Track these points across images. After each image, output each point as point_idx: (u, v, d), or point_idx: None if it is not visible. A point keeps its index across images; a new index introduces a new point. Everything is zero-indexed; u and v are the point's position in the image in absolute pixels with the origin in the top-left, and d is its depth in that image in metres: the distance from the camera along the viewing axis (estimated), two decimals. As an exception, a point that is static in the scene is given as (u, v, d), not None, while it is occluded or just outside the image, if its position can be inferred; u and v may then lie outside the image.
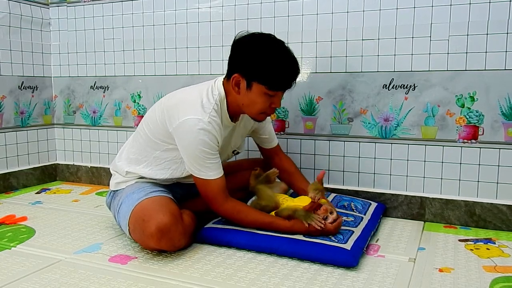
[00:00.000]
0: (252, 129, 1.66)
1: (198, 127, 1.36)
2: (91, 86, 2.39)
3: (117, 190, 1.55)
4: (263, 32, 1.44)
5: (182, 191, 1.66)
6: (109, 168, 1.68)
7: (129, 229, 1.41)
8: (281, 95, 1.44)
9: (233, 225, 1.52)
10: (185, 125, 1.37)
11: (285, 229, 1.43)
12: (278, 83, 1.39)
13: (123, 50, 2.26)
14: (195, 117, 1.36)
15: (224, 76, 1.49)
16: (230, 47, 1.45)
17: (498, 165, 1.64)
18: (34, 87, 2.40)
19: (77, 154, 2.48)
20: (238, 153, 1.68)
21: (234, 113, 1.50)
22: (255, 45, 1.39)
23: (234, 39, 1.44)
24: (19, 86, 2.31)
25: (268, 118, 1.66)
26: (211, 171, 1.40)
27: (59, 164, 2.53)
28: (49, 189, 2.32)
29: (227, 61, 1.46)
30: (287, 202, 1.52)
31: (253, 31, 1.43)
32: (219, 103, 1.43)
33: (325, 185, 1.89)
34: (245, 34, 1.43)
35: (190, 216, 1.49)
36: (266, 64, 1.36)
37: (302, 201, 1.49)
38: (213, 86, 1.46)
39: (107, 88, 2.35)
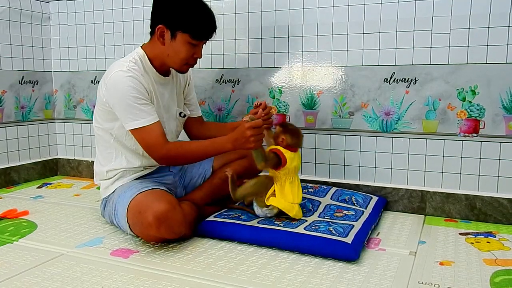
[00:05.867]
0: (185, 92, 1.72)
1: (122, 76, 1.42)
2: (92, 81, 2.39)
3: (108, 196, 1.57)
4: None
5: (173, 178, 1.67)
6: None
7: (129, 226, 1.41)
8: (202, 46, 1.53)
9: (235, 219, 1.53)
10: (110, 80, 1.44)
11: (227, 144, 1.45)
12: (201, 32, 1.49)
13: (124, 44, 2.26)
14: (117, 70, 1.44)
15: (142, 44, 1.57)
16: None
17: (499, 159, 1.64)
18: (35, 82, 2.40)
19: (78, 148, 2.48)
20: (185, 116, 1.70)
21: (161, 68, 1.55)
22: None
23: None
24: (19, 81, 2.31)
25: (192, 87, 1.75)
26: (146, 117, 1.43)
27: (60, 158, 2.53)
28: (50, 184, 2.32)
29: (150, 18, 1.53)
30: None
31: None
32: (137, 58, 1.50)
33: (326, 179, 1.90)
34: None
35: (189, 205, 1.51)
36: (190, 14, 1.46)
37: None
38: (132, 52, 1.56)
39: (107, 82, 2.34)
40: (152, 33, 1.53)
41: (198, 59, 1.55)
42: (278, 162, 1.49)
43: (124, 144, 1.53)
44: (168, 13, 1.46)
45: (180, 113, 1.67)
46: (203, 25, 1.48)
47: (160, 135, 1.44)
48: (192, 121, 1.77)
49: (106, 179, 1.58)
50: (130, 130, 1.44)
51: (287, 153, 1.50)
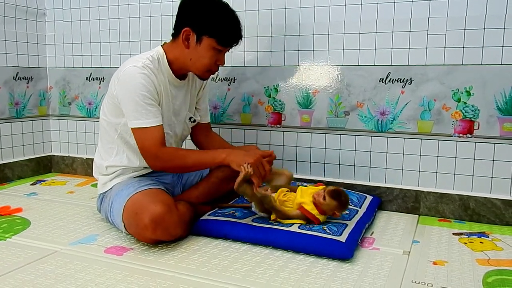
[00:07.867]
0: (198, 97, 1.70)
1: (135, 72, 1.40)
2: (87, 78, 2.38)
3: (105, 192, 1.56)
4: None
5: (172, 178, 1.67)
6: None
7: (124, 225, 1.41)
8: (224, 53, 1.52)
9: (229, 217, 1.53)
10: (123, 75, 1.42)
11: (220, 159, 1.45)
12: (228, 38, 1.47)
13: (119, 41, 2.25)
14: (131, 65, 1.42)
15: (163, 42, 1.55)
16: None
17: (493, 160, 1.65)
18: (29, 78, 2.38)
19: (73, 145, 2.47)
20: (195, 121, 1.69)
21: (179, 71, 1.54)
22: (207, 2, 1.46)
23: None
24: (14, 77, 2.29)
25: (206, 93, 1.74)
26: (150, 118, 1.41)
27: (54, 155, 2.52)
28: (44, 181, 2.31)
29: (175, 20, 1.50)
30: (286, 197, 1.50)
31: None
32: (155, 57, 1.48)
33: (321, 178, 1.90)
34: None
35: (185, 205, 1.50)
36: (218, 19, 1.44)
37: (304, 194, 1.48)
38: (152, 49, 1.54)
39: (102, 79, 2.34)
40: (175, 35, 1.50)
41: (220, 66, 1.53)
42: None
43: (128, 142, 1.52)
44: (196, 17, 1.44)
45: (190, 118, 1.66)
46: (230, 31, 1.47)
47: (159, 139, 1.42)
48: (200, 128, 1.73)
49: (105, 175, 1.56)
50: (131, 128, 1.43)
51: (318, 215, 1.43)
